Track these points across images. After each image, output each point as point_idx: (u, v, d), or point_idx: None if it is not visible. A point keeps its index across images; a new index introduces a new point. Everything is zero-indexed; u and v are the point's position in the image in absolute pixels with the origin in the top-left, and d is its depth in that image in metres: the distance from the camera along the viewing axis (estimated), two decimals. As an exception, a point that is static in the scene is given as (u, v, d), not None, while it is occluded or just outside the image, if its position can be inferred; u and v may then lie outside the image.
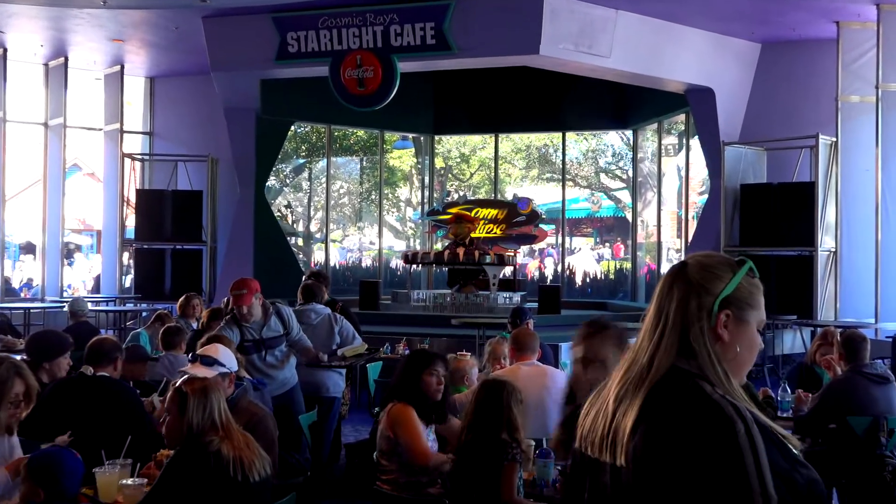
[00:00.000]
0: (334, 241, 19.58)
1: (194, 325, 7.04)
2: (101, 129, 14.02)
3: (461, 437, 3.46)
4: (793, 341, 10.97)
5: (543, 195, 21.52)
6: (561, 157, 16.54)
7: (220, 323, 6.16)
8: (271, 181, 17.14)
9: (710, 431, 1.33)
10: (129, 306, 12.71)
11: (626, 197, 19.89)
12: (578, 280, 16.57)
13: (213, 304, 9.24)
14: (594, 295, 15.87)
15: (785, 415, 5.01)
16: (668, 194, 15.92)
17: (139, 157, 13.99)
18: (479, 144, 20.95)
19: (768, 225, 10.90)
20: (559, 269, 16.15)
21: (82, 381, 4.00)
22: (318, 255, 17.63)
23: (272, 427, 3.67)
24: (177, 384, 3.13)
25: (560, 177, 16.56)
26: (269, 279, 11.60)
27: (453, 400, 4.43)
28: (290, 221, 18.87)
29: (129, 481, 3.07)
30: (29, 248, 17.86)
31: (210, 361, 3.70)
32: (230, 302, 5.22)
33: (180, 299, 7.41)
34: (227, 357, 3.80)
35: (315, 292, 5.98)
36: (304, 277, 6.42)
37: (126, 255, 13.63)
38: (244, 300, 5.12)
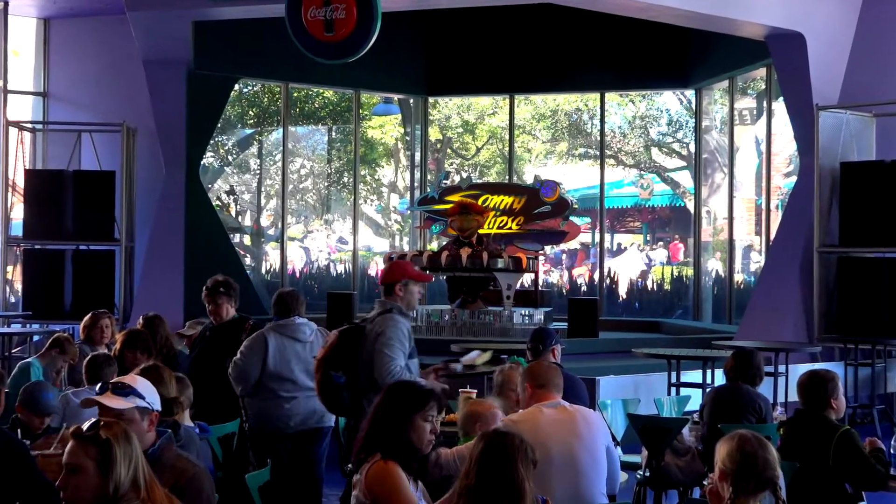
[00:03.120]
0: (293, 239, 19.57)
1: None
2: (-22, 89, 13.99)
3: None
4: (911, 374, 10.98)
5: (575, 177, 21.50)
6: (599, 127, 16.55)
7: (138, 354, 6.17)
8: (208, 159, 17.13)
9: None
10: (16, 327, 12.67)
11: (686, 180, 19.91)
12: (622, 292, 16.57)
13: (130, 325, 9.22)
14: (643, 311, 15.87)
15: (901, 473, 5.01)
16: (742, 176, 15.91)
17: (29, 125, 13.97)
18: (487, 109, 20.98)
19: (878, 217, 10.89)
20: (597, 276, 16.15)
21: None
22: (271, 258, 17.62)
23: (208, 488, 3.66)
24: (85, 430, 3.10)
25: (597, 153, 16.55)
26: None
27: (440, 456, 4.41)
28: (233, 213, 18.88)
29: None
30: None
31: (125, 391, 3.69)
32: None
33: (84, 319, 7.39)
34: (148, 390, 3.79)
35: (298, 302, 6.29)
36: (204, 288, 6.51)
37: (11, 258, 13.61)
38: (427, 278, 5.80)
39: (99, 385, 3.84)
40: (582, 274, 19.32)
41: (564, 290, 17.26)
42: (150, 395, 3.77)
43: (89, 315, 7.41)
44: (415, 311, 5.69)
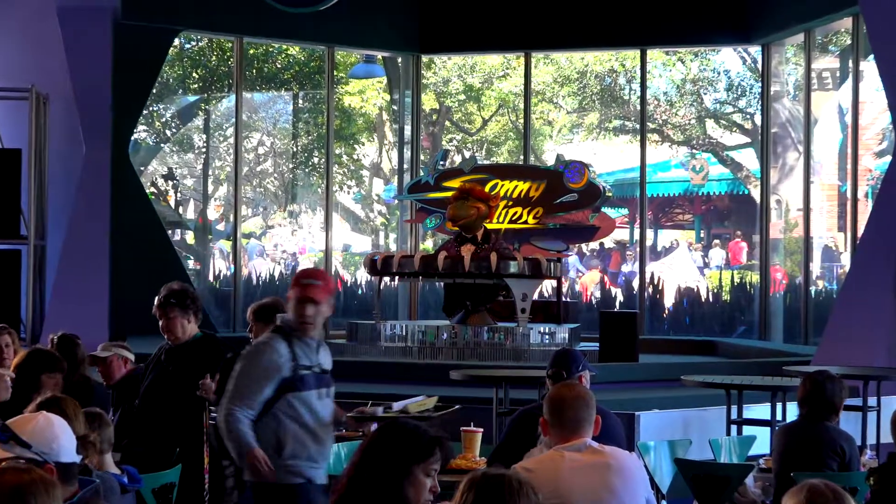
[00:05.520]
0: (249, 235, 19.56)
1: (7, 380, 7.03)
2: None
3: None
4: None
5: (609, 158, 21.49)
6: (639, 93, 16.53)
7: (53, 377, 6.15)
8: (140, 133, 17.10)
9: None
10: None
11: (750, 160, 19.91)
12: (669, 302, 16.57)
13: (41, 343, 9.21)
14: (696, 328, 15.85)
15: None
16: (822, 155, 15.90)
17: (-87, 91, 13.97)
18: (497, 70, 20.98)
19: None
20: (637, 284, 16.14)
21: None
22: (219, 261, 17.62)
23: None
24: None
25: (637, 126, 16.53)
26: (140, 301, 11.56)
27: None
28: (172, 202, 18.88)
29: None
30: None
31: (3, 436, 3.68)
32: (289, 299, 5.48)
33: (-22, 335, 7.39)
34: (43, 435, 3.77)
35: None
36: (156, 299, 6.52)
37: None
38: (315, 293, 5.43)
39: None
40: (594, 282, 19.30)
41: (592, 301, 17.27)
42: (45, 443, 3.72)
43: (-17, 330, 7.40)
44: (309, 331, 5.45)
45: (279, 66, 19.13)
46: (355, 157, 21.09)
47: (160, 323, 6.45)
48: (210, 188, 18.98)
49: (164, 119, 18.69)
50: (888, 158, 12.96)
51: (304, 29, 14.76)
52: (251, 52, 17.51)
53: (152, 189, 17.45)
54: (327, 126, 16.33)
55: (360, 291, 17.16)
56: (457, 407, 6.49)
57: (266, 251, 19.97)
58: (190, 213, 19.41)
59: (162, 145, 18.95)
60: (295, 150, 19.88)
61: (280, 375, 5.36)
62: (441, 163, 14.38)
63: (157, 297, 6.50)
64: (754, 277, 16.00)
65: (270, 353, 5.39)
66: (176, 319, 6.40)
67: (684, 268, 19.31)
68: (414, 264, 11.89)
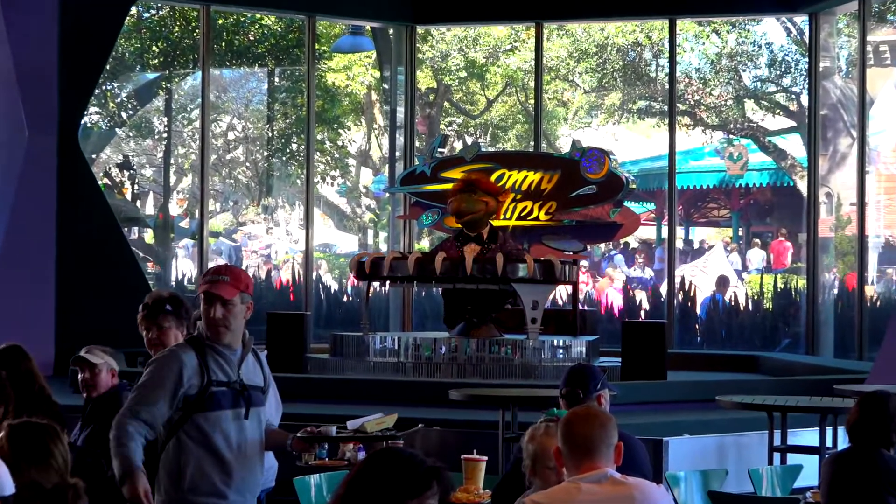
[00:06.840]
0: (217, 234, 19.55)
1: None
2: None
3: None
4: None
5: (633, 144, 21.49)
6: (667, 70, 16.54)
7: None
8: (92, 116, 17.08)
9: None
10: None
11: (796, 147, 19.91)
12: (702, 312, 16.55)
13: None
14: (733, 341, 15.84)
15: None
16: (879, 141, 15.89)
17: None
18: (504, 43, 20.98)
19: None
20: (665, 290, 16.14)
21: None
22: (182, 263, 17.60)
23: None
24: None
25: (665, 108, 16.51)
26: (91, 310, 11.58)
27: None
28: (128, 196, 18.88)
29: None
30: None
31: None
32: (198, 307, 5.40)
33: None
34: None
35: None
36: (140, 307, 6.47)
37: None
38: (221, 289, 5.30)
39: None
40: (609, 288, 19.28)
41: (615, 310, 17.27)
42: None
43: None
44: (222, 336, 5.32)
45: (252, 38, 19.14)
46: (340, 143, 21.09)
47: (149, 335, 6.38)
48: (172, 179, 19.00)
49: (119, 100, 18.70)
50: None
51: (281, -5, 14.79)
52: (220, 22, 17.52)
53: (105, 180, 17.46)
54: (308, 108, 16.32)
55: (345, 298, 17.16)
56: (420, 426, 6.46)
57: (239, 251, 19.98)
58: (149, 208, 19.43)
59: (117, 130, 18.95)
60: (270, 135, 19.89)
61: (182, 390, 5.23)
62: (439, 150, 14.37)
63: (143, 305, 6.44)
64: (800, 282, 15.99)
65: (173, 364, 5.26)
66: (170, 330, 6.31)
67: (719, 271, 19.31)
68: (408, 267, 11.89)
